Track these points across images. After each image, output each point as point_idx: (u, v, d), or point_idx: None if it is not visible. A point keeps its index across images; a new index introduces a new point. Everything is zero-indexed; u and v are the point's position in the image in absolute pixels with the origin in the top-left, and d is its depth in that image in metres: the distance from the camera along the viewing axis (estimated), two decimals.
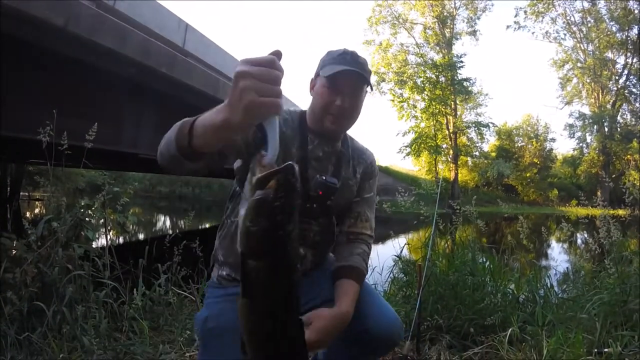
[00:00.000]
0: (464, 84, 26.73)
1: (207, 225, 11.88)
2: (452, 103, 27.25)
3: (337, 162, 1.20)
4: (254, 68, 0.59)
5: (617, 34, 27.14)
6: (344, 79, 1.09)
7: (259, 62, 0.59)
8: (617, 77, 28.09)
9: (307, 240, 1.14)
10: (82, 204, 2.45)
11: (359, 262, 1.15)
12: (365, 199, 1.25)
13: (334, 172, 1.18)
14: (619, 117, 28.36)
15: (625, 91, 27.57)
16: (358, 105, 1.15)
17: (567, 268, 3.45)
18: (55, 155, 2.16)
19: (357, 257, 1.16)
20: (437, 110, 26.53)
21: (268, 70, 0.59)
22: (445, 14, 27.36)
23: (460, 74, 26.66)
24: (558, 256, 6.83)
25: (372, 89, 1.19)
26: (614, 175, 23.14)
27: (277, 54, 0.61)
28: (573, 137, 29.76)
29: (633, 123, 27.63)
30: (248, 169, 1.01)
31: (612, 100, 28.08)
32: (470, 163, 30.20)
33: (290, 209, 0.62)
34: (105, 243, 2.53)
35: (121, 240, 7.59)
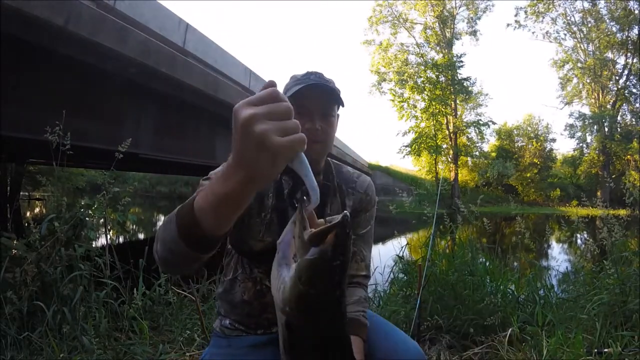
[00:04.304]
0: (464, 83, 26.75)
1: None
2: (452, 103, 27.27)
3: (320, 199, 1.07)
4: (262, 107, 0.49)
5: (618, 34, 27.17)
6: (311, 98, 0.98)
7: (262, 99, 0.50)
8: (617, 77, 28.13)
9: None
10: (83, 203, 2.45)
11: (357, 313, 1.02)
12: (360, 235, 1.10)
13: (316, 213, 1.05)
14: (619, 117, 28.42)
15: (625, 91, 27.58)
16: (331, 127, 1.02)
17: (567, 268, 3.45)
18: (57, 154, 2.16)
19: (353, 306, 1.03)
20: (437, 110, 26.54)
21: (277, 104, 0.50)
22: (445, 13, 27.37)
23: (460, 73, 26.70)
24: (558, 256, 6.84)
25: (343, 105, 1.04)
26: (614, 176, 23.14)
27: (273, 84, 0.52)
28: (573, 137, 29.84)
29: (633, 123, 27.64)
30: (241, 227, 0.91)
31: (612, 101, 28.09)
32: (470, 163, 30.21)
33: (346, 267, 0.56)
34: (106, 242, 2.53)
35: (121, 239, 7.59)
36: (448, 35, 27.65)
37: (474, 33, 28.43)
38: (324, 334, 0.57)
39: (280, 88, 0.55)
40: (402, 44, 28.31)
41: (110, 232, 2.86)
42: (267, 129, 0.48)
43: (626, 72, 27.61)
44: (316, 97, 0.99)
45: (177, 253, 0.65)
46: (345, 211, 0.56)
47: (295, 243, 0.57)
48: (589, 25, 28.12)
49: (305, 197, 0.58)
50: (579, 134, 29.39)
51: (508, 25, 29.53)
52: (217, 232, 0.60)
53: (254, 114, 0.48)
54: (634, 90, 27.46)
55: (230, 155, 0.53)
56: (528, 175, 29.43)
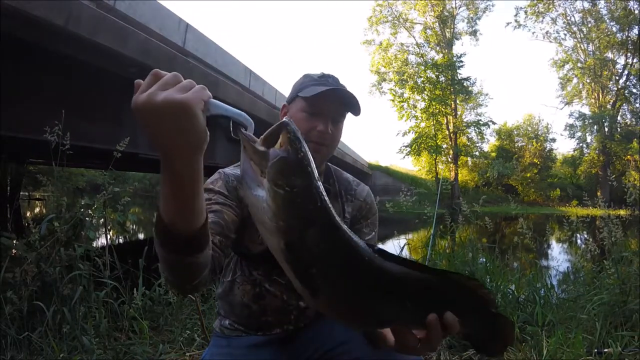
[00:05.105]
0: (464, 83, 26.74)
1: None
2: (452, 103, 27.25)
3: None
4: (153, 87, 0.51)
5: (618, 34, 27.14)
6: (328, 102, 0.97)
7: (149, 83, 0.52)
8: (617, 77, 28.10)
9: None
10: (83, 203, 2.45)
11: None
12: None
13: None
14: (619, 117, 28.38)
15: (625, 91, 27.56)
16: (339, 132, 1.03)
17: (567, 268, 3.45)
18: (56, 154, 2.16)
19: None
20: (437, 110, 26.53)
21: (163, 78, 0.52)
22: (445, 13, 27.36)
23: (460, 73, 26.69)
24: (558, 256, 6.84)
25: (359, 113, 1.03)
26: (614, 176, 23.14)
27: (140, 83, 0.53)
28: (573, 137, 29.78)
29: (633, 123, 27.62)
30: (240, 229, 0.91)
31: (612, 101, 28.07)
32: (470, 163, 30.20)
33: (310, 158, 0.56)
34: (106, 243, 2.53)
35: (121, 240, 7.59)
36: (448, 35, 27.63)
37: (474, 33, 28.43)
38: (325, 235, 0.54)
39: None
40: (402, 44, 28.33)
41: (110, 232, 2.86)
42: (167, 94, 0.50)
43: (626, 72, 27.58)
44: (333, 102, 0.98)
45: (172, 265, 0.65)
46: (284, 119, 0.56)
47: (254, 163, 0.56)
48: (589, 25, 28.09)
49: (242, 129, 0.58)
50: (579, 134, 29.37)
51: (508, 24, 29.50)
52: (190, 226, 0.59)
53: (149, 92, 0.50)
54: (634, 90, 27.46)
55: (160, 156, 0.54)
56: (528, 175, 29.41)
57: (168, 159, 0.54)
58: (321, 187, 0.55)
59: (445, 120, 27.44)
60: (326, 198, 0.55)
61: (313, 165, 0.55)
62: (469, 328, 0.64)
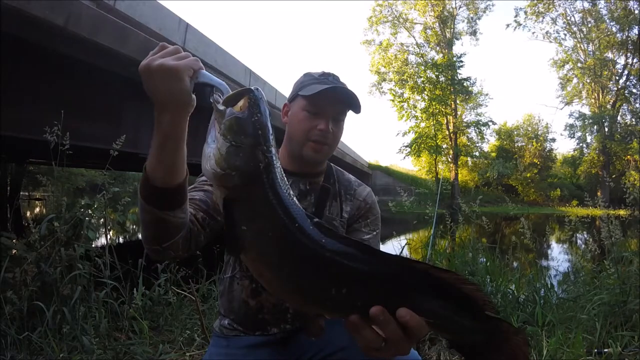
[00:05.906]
0: (464, 83, 26.73)
1: None
2: (452, 103, 27.24)
3: (319, 199, 1.05)
4: (155, 55, 0.63)
5: (618, 34, 27.15)
6: (330, 101, 0.97)
7: (154, 52, 0.64)
8: (617, 77, 28.10)
9: None
10: (83, 203, 2.45)
11: None
12: (364, 242, 1.03)
13: (314, 212, 1.01)
14: (619, 117, 28.37)
15: (626, 91, 27.56)
16: (340, 131, 1.03)
17: (568, 268, 3.45)
18: (57, 154, 2.16)
19: None
20: (437, 110, 26.53)
21: (166, 49, 0.65)
22: (445, 13, 27.35)
23: (460, 73, 26.67)
24: (558, 256, 6.84)
25: (360, 111, 1.03)
26: (614, 176, 23.13)
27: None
28: (573, 137, 29.80)
29: (633, 123, 27.61)
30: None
31: (612, 101, 28.07)
32: (470, 163, 30.20)
33: (267, 124, 0.59)
34: (106, 242, 2.53)
35: (121, 240, 7.59)
36: (448, 35, 27.62)
37: (474, 33, 28.44)
38: (261, 195, 0.55)
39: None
40: (402, 44, 28.34)
41: (110, 232, 2.86)
42: (164, 60, 0.62)
43: (626, 72, 27.58)
44: (334, 100, 0.98)
45: (148, 218, 0.71)
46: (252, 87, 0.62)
47: (217, 122, 0.60)
48: (589, 25, 28.10)
49: (218, 94, 0.64)
50: (579, 134, 29.38)
51: (508, 25, 29.50)
52: (169, 180, 0.68)
53: (151, 58, 0.63)
54: (634, 90, 27.45)
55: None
56: (528, 175, 29.41)
57: (159, 113, 0.64)
58: (272, 153, 0.58)
59: (445, 120, 27.43)
60: (275, 164, 0.57)
61: (267, 131, 0.58)
62: (452, 334, 0.54)
